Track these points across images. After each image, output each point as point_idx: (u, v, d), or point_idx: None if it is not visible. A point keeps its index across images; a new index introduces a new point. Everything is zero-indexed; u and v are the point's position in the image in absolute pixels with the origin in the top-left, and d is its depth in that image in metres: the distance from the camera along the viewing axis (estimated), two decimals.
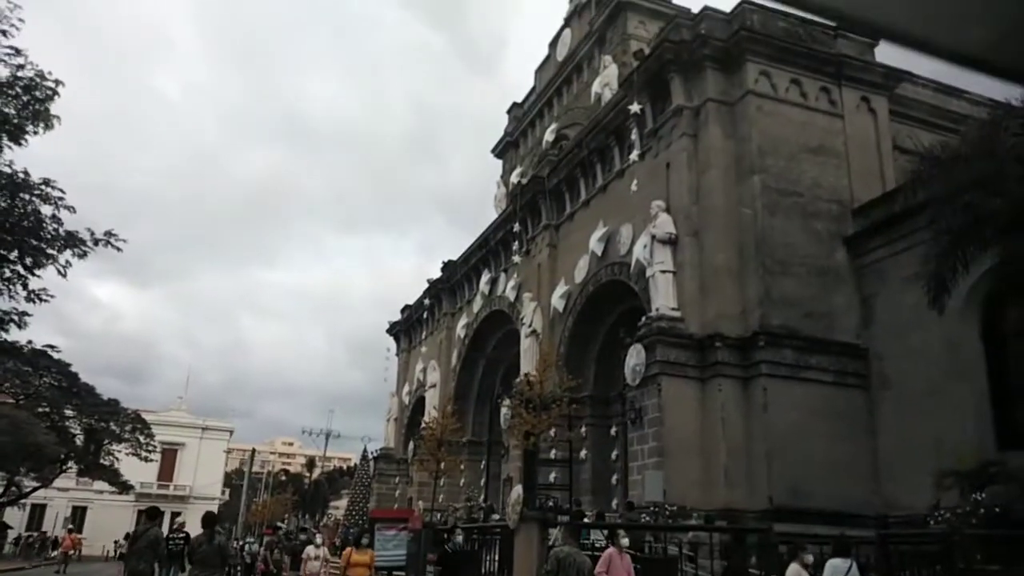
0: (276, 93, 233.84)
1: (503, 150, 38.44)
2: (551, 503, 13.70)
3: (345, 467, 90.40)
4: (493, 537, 12.92)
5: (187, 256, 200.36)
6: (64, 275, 14.17)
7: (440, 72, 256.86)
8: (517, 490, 11.26)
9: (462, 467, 29.99)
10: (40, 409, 38.36)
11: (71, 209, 13.81)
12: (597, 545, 12.47)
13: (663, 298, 17.54)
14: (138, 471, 51.77)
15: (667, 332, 16.84)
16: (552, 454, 21.13)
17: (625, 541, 9.92)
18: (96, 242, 14.67)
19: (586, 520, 14.07)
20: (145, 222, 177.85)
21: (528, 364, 22.60)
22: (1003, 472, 13.39)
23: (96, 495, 53.71)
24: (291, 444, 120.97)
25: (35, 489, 41.36)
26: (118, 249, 14.78)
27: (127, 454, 43.96)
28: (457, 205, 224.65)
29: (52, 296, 15.03)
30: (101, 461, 43.84)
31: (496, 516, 19.25)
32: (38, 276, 14.23)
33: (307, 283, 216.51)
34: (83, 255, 14.51)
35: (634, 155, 19.55)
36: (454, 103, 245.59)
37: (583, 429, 22.44)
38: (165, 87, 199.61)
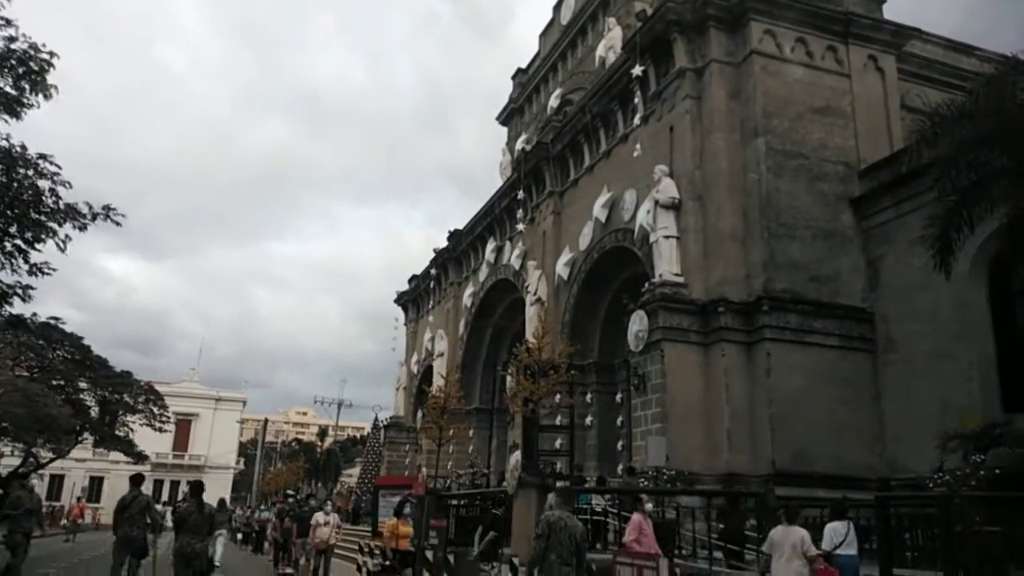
0: (283, 67, 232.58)
1: (508, 117, 38.04)
2: (550, 469, 13.75)
3: (359, 436, 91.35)
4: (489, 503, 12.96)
5: (198, 230, 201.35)
6: (63, 249, 14.15)
7: (448, 41, 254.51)
8: (515, 456, 11.28)
9: (471, 434, 30.21)
10: (54, 382, 38.85)
11: (67, 184, 13.76)
12: (597, 509, 12.54)
13: (666, 264, 17.39)
14: (154, 442, 52.53)
15: (670, 298, 16.72)
16: (558, 420, 21.18)
17: (649, 506, 9.91)
18: (95, 216, 14.60)
19: (587, 485, 14.13)
20: (156, 197, 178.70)
21: (538, 333, 22.52)
22: (1008, 434, 13.30)
23: (112, 465, 54.55)
24: (305, 414, 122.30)
25: (52, 460, 42.00)
26: (117, 223, 14.72)
27: (141, 425, 44.57)
28: (468, 174, 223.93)
29: (54, 269, 15.02)
30: (116, 432, 44.47)
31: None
32: (39, 250, 14.23)
33: (319, 255, 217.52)
34: (83, 228, 14.46)
35: (637, 119, 19.26)
36: (463, 72, 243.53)
37: (588, 396, 22.46)
38: (172, 61, 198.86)
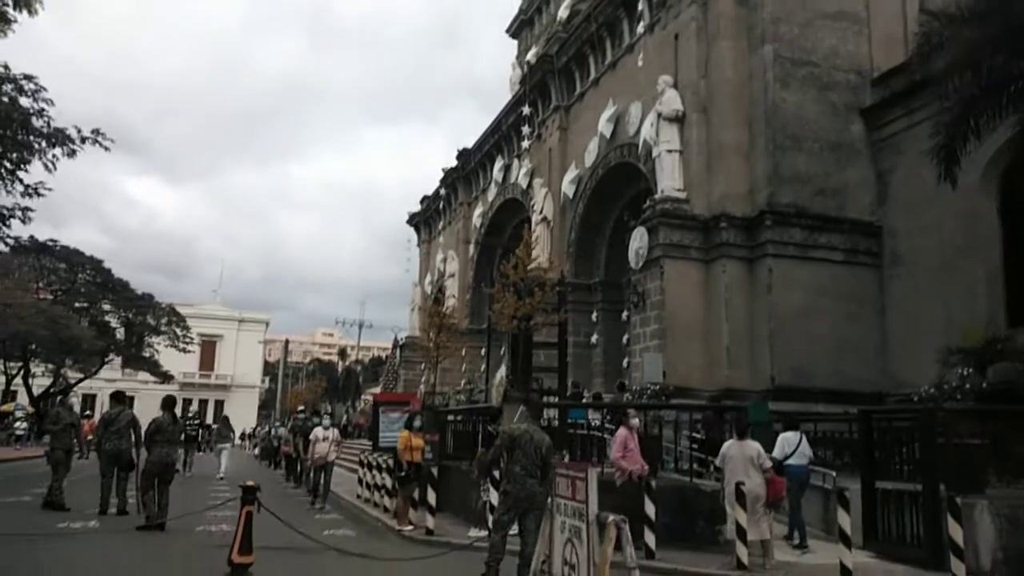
0: None
1: (518, 29, 36.85)
2: (537, 384, 13.80)
3: (383, 356, 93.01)
4: (482, 419, 13.12)
5: (220, 151, 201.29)
6: (52, 170, 14.13)
7: None
8: (500, 372, 11.29)
9: (482, 353, 30.49)
10: (78, 304, 39.78)
11: (49, 102, 13.61)
12: (593, 424, 12.59)
13: (668, 179, 17.00)
14: (181, 362, 53.94)
15: (671, 214, 16.42)
16: (569, 339, 21.21)
17: (635, 422, 9.95)
18: (84, 140, 14.53)
19: (584, 401, 14.22)
20: (176, 118, 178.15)
21: (540, 251, 22.36)
22: (1010, 348, 13.08)
23: (141, 385, 56.20)
24: (331, 335, 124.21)
25: (80, 380, 43.36)
26: (106, 148, 14.65)
27: (166, 346, 45.66)
28: (488, 90, 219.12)
29: (50, 189, 15.12)
30: (142, 353, 45.69)
31: None
32: (26, 171, 14.24)
33: (340, 176, 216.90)
34: (72, 154, 14.39)
35: (642, 27, 18.52)
36: None
37: (594, 314, 22.43)
38: None
